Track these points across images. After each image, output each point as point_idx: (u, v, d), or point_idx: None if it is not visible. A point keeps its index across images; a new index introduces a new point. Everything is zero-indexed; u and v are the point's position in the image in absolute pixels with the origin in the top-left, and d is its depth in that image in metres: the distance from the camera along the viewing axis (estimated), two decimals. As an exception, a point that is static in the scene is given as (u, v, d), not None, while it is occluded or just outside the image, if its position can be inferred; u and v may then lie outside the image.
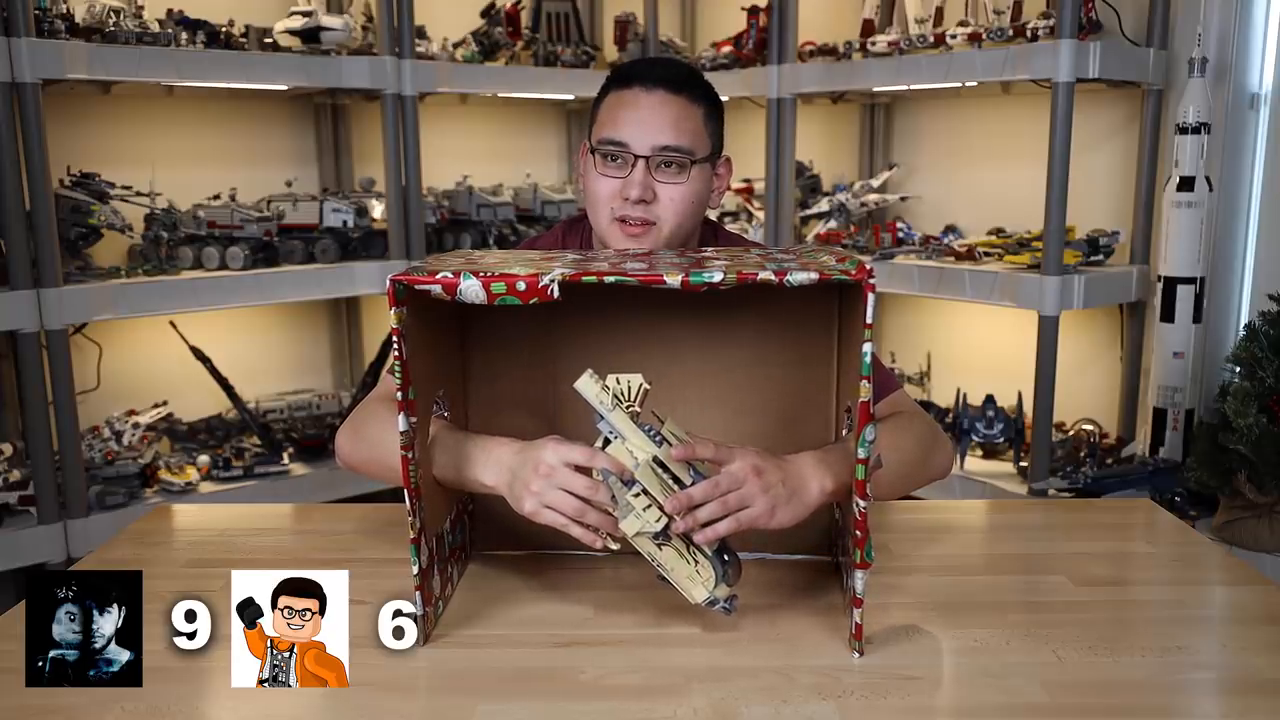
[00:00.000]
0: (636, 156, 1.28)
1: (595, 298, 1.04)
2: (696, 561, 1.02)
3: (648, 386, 1.01)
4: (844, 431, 1.12)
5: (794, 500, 1.03)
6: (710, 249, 1.27)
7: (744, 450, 1.02)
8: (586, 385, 0.99)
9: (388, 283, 0.95)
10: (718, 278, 0.93)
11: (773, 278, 0.93)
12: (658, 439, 1.00)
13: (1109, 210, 2.75)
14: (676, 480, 1.00)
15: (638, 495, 0.99)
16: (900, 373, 3.08)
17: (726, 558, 1.02)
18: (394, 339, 0.96)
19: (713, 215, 1.48)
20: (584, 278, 0.95)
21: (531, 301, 0.95)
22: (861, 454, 0.93)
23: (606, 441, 1.00)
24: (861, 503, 0.94)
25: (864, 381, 0.92)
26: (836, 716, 0.89)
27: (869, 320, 0.90)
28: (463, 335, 1.20)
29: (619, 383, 1.00)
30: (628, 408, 1.00)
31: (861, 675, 0.96)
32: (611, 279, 0.94)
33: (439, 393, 1.12)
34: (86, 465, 2.52)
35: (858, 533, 0.95)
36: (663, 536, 1.00)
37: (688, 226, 1.33)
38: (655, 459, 0.99)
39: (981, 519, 1.56)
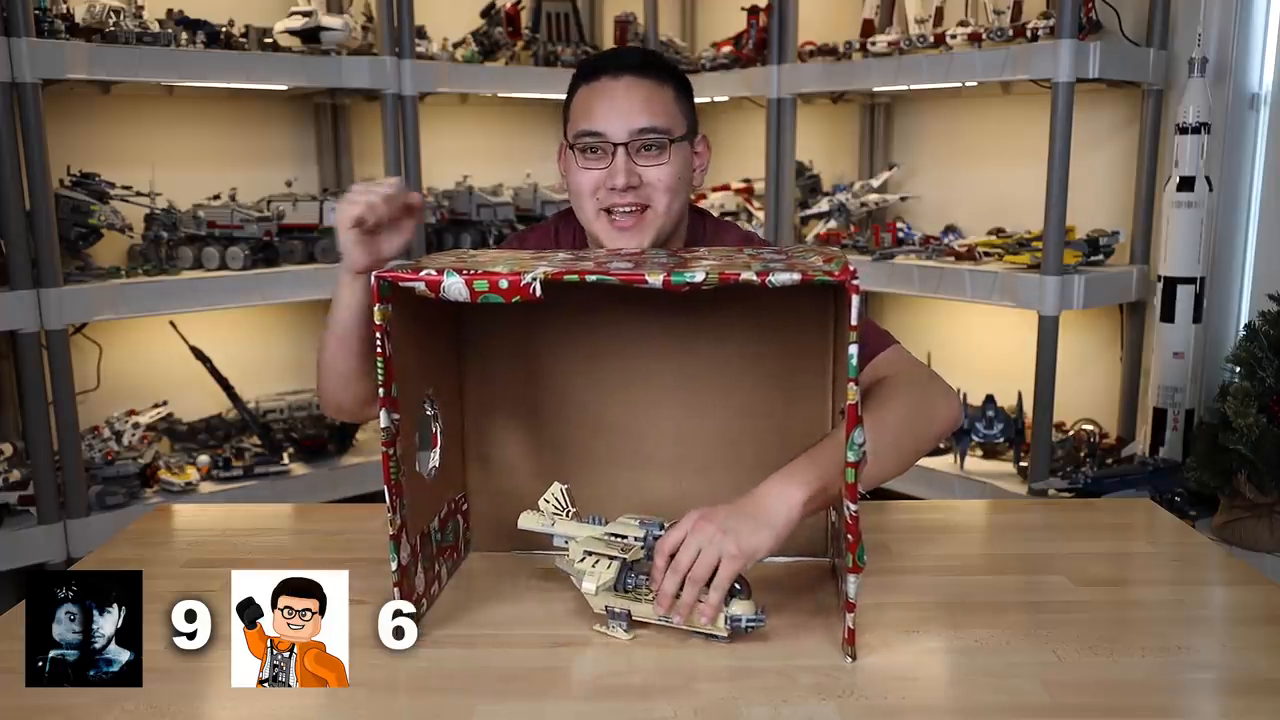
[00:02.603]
0: (615, 144, 1.28)
1: (590, 298, 1.04)
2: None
3: (566, 486, 1.12)
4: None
5: (761, 527, 1.01)
6: (703, 249, 1.25)
7: (688, 515, 1.03)
8: (528, 521, 1.12)
9: (372, 279, 0.96)
10: (700, 277, 0.92)
11: (755, 278, 0.91)
12: (601, 523, 1.10)
13: (1109, 210, 2.74)
14: (618, 535, 1.07)
15: (583, 560, 1.05)
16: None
17: (738, 585, 1.01)
18: (377, 335, 0.96)
19: (716, 213, 1.47)
20: (566, 276, 0.94)
21: (514, 300, 0.95)
22: (851, 457, 0.92)
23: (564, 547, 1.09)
24: (852, 506, 0.93)
25: (851, 384, 0.91)
26: (836, 716, 0.89)
27: (854, 322, 0.89)
28: (458, 336, 1.20)
29: (548, 501, 1.11)
30: (569, 514, 1.11)
31: (861, 675, 0.96)
32: (593, 278, 0.93)
33: (428, 390, 1.12)
34: (86, 465, 2.51)
35: (849, 536, 0.94)
36: (629, 577, 1.04)
37: (678, 206, 1.33)
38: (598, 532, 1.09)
39: (981, 519, 1.56)
